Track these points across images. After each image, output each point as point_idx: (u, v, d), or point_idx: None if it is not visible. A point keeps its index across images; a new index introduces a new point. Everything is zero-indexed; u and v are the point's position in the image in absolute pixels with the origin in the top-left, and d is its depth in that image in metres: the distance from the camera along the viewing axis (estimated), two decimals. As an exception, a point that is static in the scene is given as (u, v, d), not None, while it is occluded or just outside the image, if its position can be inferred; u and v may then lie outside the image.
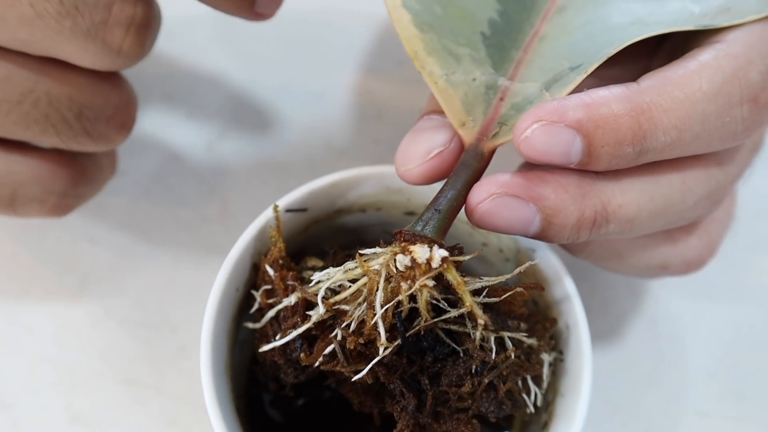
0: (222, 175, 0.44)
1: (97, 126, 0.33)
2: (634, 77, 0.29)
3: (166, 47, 0.46)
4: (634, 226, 0.29)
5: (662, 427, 0.41)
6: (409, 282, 0.27)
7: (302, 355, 0.29)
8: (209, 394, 0.29)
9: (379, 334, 0.27)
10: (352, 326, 0.27)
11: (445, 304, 0.27)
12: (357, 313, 0.27)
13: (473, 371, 0.28)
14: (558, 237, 0.28)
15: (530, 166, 0.30)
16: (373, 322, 0.27)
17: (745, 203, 0.40)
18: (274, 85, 0.47)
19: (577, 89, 0.29)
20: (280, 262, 0.31)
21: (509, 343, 0.28)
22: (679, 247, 0.34)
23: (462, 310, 0.27)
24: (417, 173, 0.29)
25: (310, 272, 0.31)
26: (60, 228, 0.42)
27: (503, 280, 0.28)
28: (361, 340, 0.27)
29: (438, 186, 0.29)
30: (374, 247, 0.28)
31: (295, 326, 0.29)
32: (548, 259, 0.32)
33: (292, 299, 0.29)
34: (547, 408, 0.32)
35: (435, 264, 0.27)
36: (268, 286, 0.31)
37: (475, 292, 0.28)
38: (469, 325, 0.28)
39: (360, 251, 0.28)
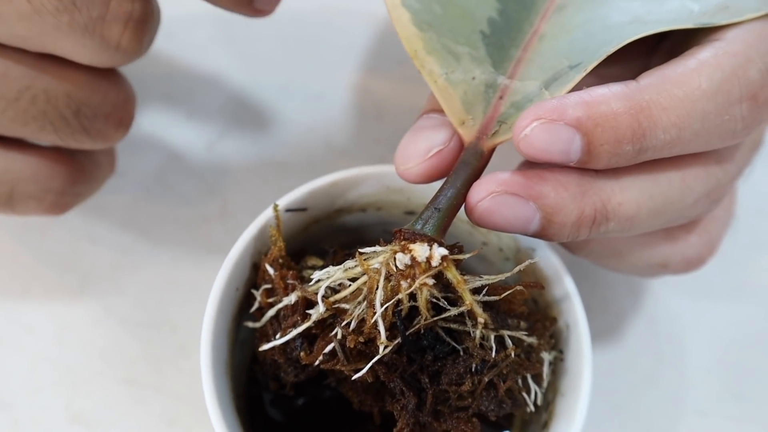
0: (222, 175, 0.44)
1: (95, 123, 0.33)
2: (633, 75, 0.29)
3: (165, 47, 0.46)
4: (633, 224, 0.29)
5: (662, 426, 0.41)
6: (409, 280, 0.27)
7: (302, 353, 0.29)
8: (209, 393, 0.29)
9: (379, 332, 0.27)
10: (352, 325, 0.27)
11: (445, 303, 0.27)
12: (357, 311, 0.27)
13: (473, 370, 0.28)
14: (558, 235, 0.28)
15: (530, 165, 0.30)
16: (373, 320, 0.27)
17: (745, 201, 0.40)
18: (274, 84, 0.47)
19: (577, 87, 0.29)
20: (280, 261, 0.31)
21: (509, 342, 0.28)
22: (679, 246, 0.34)
23: (462, 309, 0.27)
24: (417, 172, 0.29)
25: (310, 271, 0.31)
26: (60, 227, 0.42)
27: (503, 278, 0.28)
28: (361, 339, 0.27)
29: (438, 185, 0.29)
30: (374, 246, 0.28)
31: (295, 325, 0.29)
32: (548, 258, 0.32)
33: (292, 298, 0.29)
34: (547, 407, 0.32)
35: (435, 262, 0.27)
36: (268, 286, 0.31)
37: (475, 291, 0.28)
38: (469, 323, 0.28)
39: (360, 250, 0.28)
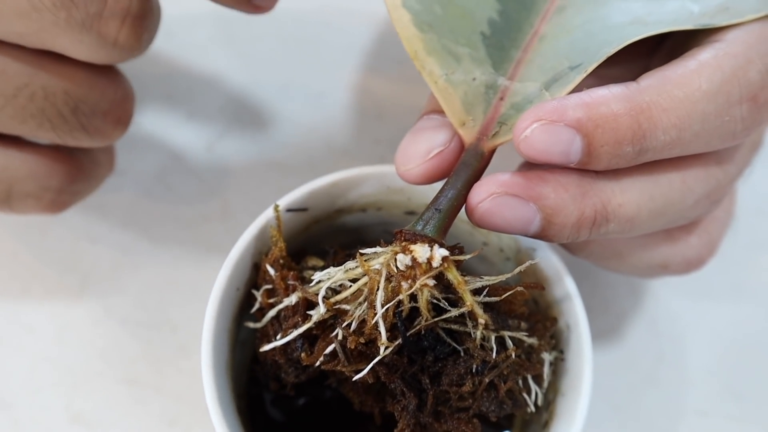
0: (222, 175, 0.44)
1: (93, 121, 0.33)
2: (633, 77, 0.29)
3: (165, 47, 0.46)
4: (634, 225, 0.29)
5: (662, 426, 0.41)
6: (409, 281, 0.27)
7: (303, 354, 0.29)
8: (210, 393, 0.29)
9: (380, 333, 0.27)
10: (353, 326, 0.27)
11: (446, 304, 0.27)
12: (358, 312, 0.27)
13: (474, 370, 0.28)
14: (558, 236, 0.28)
15: (530, 166, 0.30)
16: (373, 321, 0.27)
17: (744, 202, 0.40)
18: (275, 85, 0.47)
19: (577, 89, 0.29)
20: (281, 261, 0.31)
21: (510, 343, 0.28)
22: (679, 247, 0.34)
23: (462, 310, 0.27)
24: (417, 173, 0.29)
25: (310, 272, 0.31)
26: (60, 227, 0.42)
27: (504, 279, 0.28)
28: (362, 340, 0.27)
29: (438, 185, 0.29)
30: (375, 246, 0.28)
31: (295, 326, 0.29)
32: (549, 259, 0.32)
33: (292, 299, 0.29)
34: (547, 407, 0.32)
35: (435, 263, 0.27)
36: (269, 286, 0.31)
37: (476, 292, 0.28)
38: (469, 324, 0.28)
39: (360, 251, 0.28)
